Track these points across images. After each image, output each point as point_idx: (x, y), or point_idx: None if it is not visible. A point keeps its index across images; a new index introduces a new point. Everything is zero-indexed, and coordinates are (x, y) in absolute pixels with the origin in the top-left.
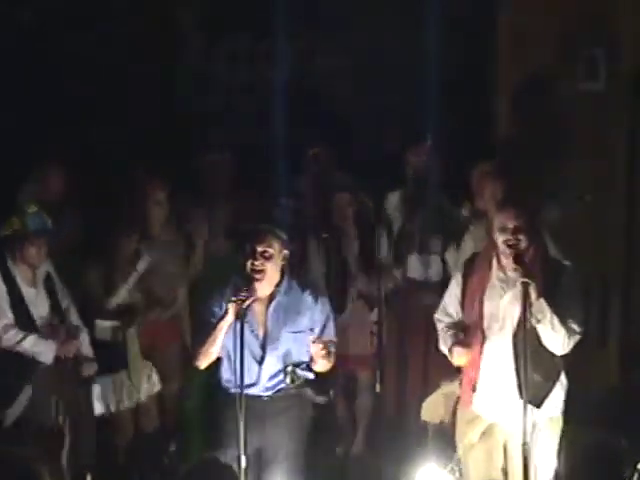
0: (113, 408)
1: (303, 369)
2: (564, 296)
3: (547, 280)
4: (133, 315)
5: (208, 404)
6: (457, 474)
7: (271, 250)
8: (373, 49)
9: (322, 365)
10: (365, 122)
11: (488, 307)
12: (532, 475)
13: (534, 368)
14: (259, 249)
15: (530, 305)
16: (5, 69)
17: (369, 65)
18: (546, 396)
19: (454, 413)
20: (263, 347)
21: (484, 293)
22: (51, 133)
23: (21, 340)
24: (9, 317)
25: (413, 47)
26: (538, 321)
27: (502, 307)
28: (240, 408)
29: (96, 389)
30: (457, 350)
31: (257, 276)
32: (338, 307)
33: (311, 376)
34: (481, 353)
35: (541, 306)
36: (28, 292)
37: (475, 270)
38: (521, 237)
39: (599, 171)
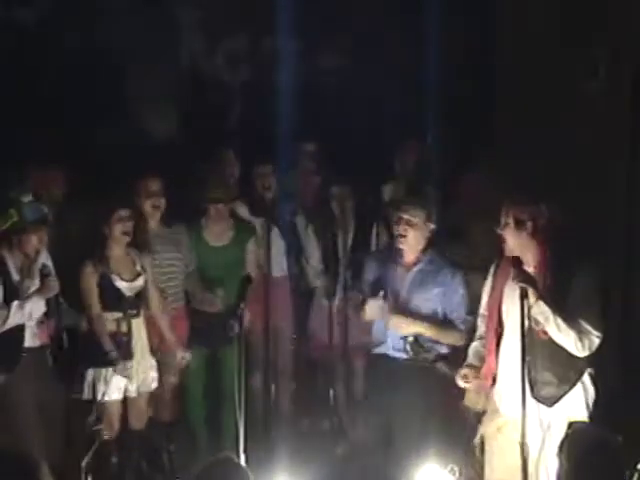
0: (99, 397)
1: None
2: (576, 298)
3: (556, 282)
4: (137, 307)
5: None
6: (457, 474)
7: (415, 219)
8: (373, 49)
9: (451, 339)
10: (364, 121)
11: (506, 303)
12: (541, 474)
13: (546, 367)
14: (404, 217)
15: (530, 308)
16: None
17: (369, 65)
18: (560, 397)
19: None
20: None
21: (504, 287)
22: (50, 132)
23: (7, 316)
24: None
25: (413, 47)
26: (539, 323)
27: (519, 304)
28: (240, 409)
29: (89, 376)
30: (462, 376)
31: (401, 240)
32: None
33: (444, 350)
34: (498, 348)
35: (541, 308)
36: (23, 285)
37: (501, 269)
38: (508, 235)
39: (599, 171)
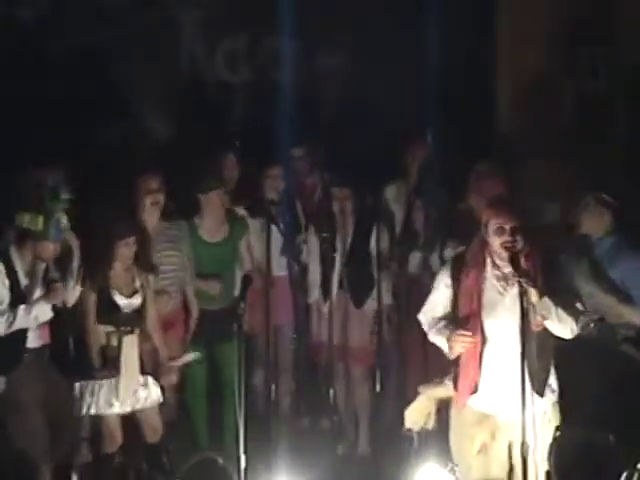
0: (93, 411)
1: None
2: (564, 285)
3: (548, 274)
4: (132, 324)
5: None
6: (457, 474)
7: None
8: (373, 49)
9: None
10: (364, 122)
11: (487, 306)
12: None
13: (539, 358)
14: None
15: (533, 305)
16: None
17: (368, 65)
18: (546, 383)
19: (439, 418)
20: None
21: (481, 292)
22: (50, 133)
23: (13, 320)
24: (4, 306)
25: (413, 47)
26: (545, 318)
27: (504, 305)
28: (240, 408)
29: (76, 389)
30: (459, 338)
31: None
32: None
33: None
34: (482, 352)
35: (546, 304)
36: (30, 289)
37: (467, 269)
38: (518, 238)
39: (599, 171)
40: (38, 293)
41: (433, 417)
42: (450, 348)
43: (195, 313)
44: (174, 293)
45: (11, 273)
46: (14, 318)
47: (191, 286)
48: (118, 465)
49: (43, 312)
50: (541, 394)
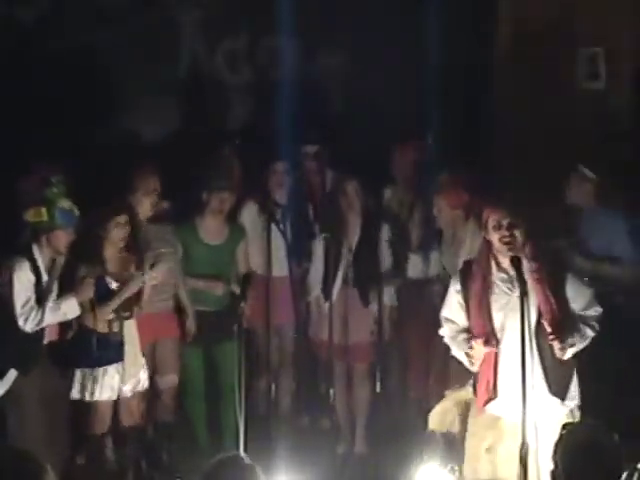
0: (88, 397)
1: None
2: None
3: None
4: (132, 307)
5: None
6: (457, 474)
7: None
8: (373, 49)
9: None
10: (364, 122)
11: (497, 309)
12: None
13: (560, 365)
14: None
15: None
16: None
17: (368, 65)
18: (568, 387)
19: (463, 421)
20: None
21: (490, 296)
22: (50, 132)
23: (42, 316)
24: (32, 302)
25: (413, 47)
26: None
27: (514, 307)
28: (240, 408)
29: (78, 376)
30: (474, 348)
31: None
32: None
33: None
34: (497, 356)
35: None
36: (50, 286)
37: (474, 275)
38: (516, 233)
39: (599, 171)
40: (54, 291)
41: (457, 420)
42: (470, 362)
43: (191, 314)
44: (169, 293)
45: (35, 270)
46: (43, 315)
47: (183, 288)
48: (115, 463)
49: (72, 308)
50: (562, 398)
